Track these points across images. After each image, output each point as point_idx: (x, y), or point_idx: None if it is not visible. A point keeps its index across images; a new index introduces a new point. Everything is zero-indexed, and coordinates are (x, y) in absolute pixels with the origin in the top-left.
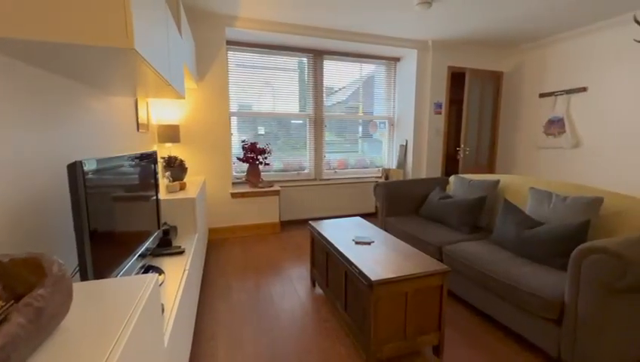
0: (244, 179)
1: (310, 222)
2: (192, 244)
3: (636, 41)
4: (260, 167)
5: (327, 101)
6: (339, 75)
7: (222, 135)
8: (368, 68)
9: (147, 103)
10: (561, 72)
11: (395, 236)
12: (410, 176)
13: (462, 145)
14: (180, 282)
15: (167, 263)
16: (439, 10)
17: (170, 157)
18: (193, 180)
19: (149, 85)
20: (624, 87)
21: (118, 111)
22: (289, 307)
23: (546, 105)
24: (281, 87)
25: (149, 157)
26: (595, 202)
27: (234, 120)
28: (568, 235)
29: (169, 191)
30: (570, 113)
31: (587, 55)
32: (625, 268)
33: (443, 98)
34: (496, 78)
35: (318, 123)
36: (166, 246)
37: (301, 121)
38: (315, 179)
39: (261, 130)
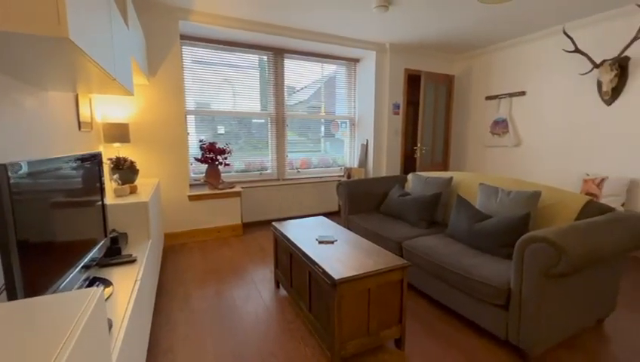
0: (202, 180)
1: (273, 223)
2: (145, 252)
3: (565, 50)
4: (220, 167)
5: (289, 100)
6: (300, 74)
7: (177, 134)
8: (329, 68)
9: (90, 100)
10: (503, 77)
11: (357, 233)
12: (371, 175)
13: (419, 145)
14: (131, 293)
15: (116, 274)
16: (396, 14)
17: (118, 159)
18: (145, 183)
19: (91, 80)
20: (556, 91)
21: (55, 108)
22: (252, 311)
23: (492, 107)
24: (242, 85)
25: (93, 159)
26: (535, 196)
27: (191, 118)
28: (512, 227)
29: (118, 195)
30: (512, 115)
31: (525, 62)
32: (559, 255)
33: (401, 99)
34: (448, 81)
35: (279, 122)
36: (115, 255)
37: (263, 121)
38: (277, 179)
39: (221, 130)
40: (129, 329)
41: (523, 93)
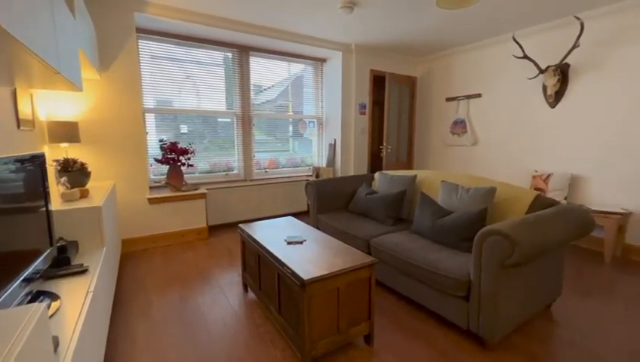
0: (164, 182)
1: (240, 224)
2: (99, 260)
3: (515, 56)
4: (183, 168)
5: (256, 99)
6: (267, 72)
7: (134, 134)
8: (297, 67)
9: (32, 95)
10: (461, 80)
11: (326, 233)
12: (339, 174)
13: (384, 144)
14: (82, 307)
15: (64, 286)
16: (361, 16)
17: (66, 160)
18: (99, 186)
19: (32, 73)
20: (508, 94)
21: None
22: (219, 316)
23: (451, 108)
24: (206, 82)
25: (34, 160)
26: (491, 192)
27: (150, 117)
28: (471, 222)
29: (66, 199)
30: (470, 115)
31: (480, 66)
32: (513, 247)
33: (367, 99)
34: (411, 82)
35: (246, 121)
36: (63, 265)
37: (229, 120)
38: (245, 180)
39: (184, 129)
40: (80, 347)
41: (479, 96)
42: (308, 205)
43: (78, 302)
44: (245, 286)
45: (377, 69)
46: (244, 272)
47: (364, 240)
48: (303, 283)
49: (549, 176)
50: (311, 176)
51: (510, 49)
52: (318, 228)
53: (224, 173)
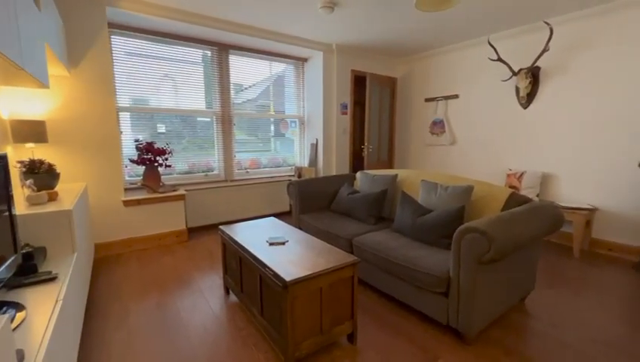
0: (140, 183)
1: (221, 226)
2: (69, 267)
3: (490, 59)
4: (160, 169)
5: (237, 98)
6: (247, 71)
7: (108, 133)
8: (278, 66)
9: None
10: (440, 81)
11: (309, 233)
12: (321, 174)
13: (366, 143)
14: (51, 317)
15: (31, 295)
16: (341, 16)
17: (32, 161)
18: (69, 188)
19: None
20: (484, 95)
21: None
22: (200, 321)
23: (431, 108)
24: (184, 81)
25: None
26: (468, 190)
27: (125, 116)
28: (450, 219)
29: (32, 203)
30: (448, 116)
31: (458, 68)
32: (490, 243)
33: (348, 99)
34: (391, 83)
35: (226, 121)
36: (30, 273)
37: (208, 119)
38: (225, 181)
39: (162, 128)
40: (47, 360)
41: (456, 97)
42: (290, 205)
43: (45, 312)
44: (227, 289)
45: (358, 70)
46: (226, 275)
47: (347, 240)
48: (286, 285)
49: (522, 174)
50: (293, 176)
51: (486, 52)
52: (300, 229)
53: (204, 173)
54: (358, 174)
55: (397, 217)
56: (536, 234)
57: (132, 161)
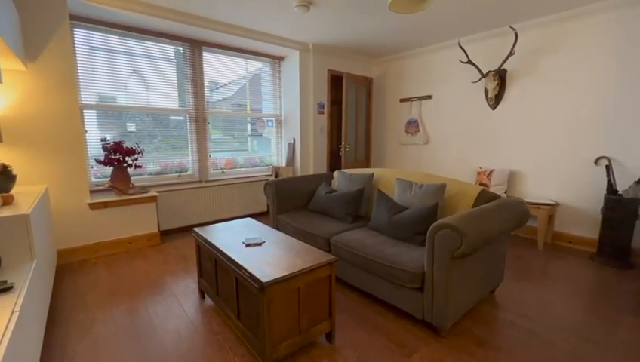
0: (107, 185)
1: (195, 228)
2: (27, 276)
3: (461, 61)
4: (130, 170)
5: (212, 97)
6: (222, 69)
7: (70, 132)
8: (255, 65)
9: None
10: (414, 82)
11: (287, 233)
12: (299, 173)
13: (343, 143)
14: (6, 329)
15: None
16: (317, 15)
17: None
18: (26, 191)
19: None
20: (455, 96)
21: None
22: (173, 327)
23: (405, 108)
24: (156, 78)
25: None
26: (441, 187)
27: (91, 114)
28: (424, 216)
29: None
30: (422, 116)
31: (431, 69)
32: (461, 238)
33: (325, 99)
34: (367, 83)
35: (200, 120)
36: None
37: (181, 118)
38: (200, 181)
39: (131, 127)
40: None
41: (430, 97)
42: (268, 206)
43: (0, 325)
44: (202, 293)
45: (335, 69)
46: (201, 278)
47: (325, 239)
48: (262, 286)
49: (491, 172)
50: (270, 175)
51: (457, 54)
52: (278, 229)
53: (177, 174)
54: (336, 173)
55: (373, 215)
56: (505, 229)
57: (98, 161)
